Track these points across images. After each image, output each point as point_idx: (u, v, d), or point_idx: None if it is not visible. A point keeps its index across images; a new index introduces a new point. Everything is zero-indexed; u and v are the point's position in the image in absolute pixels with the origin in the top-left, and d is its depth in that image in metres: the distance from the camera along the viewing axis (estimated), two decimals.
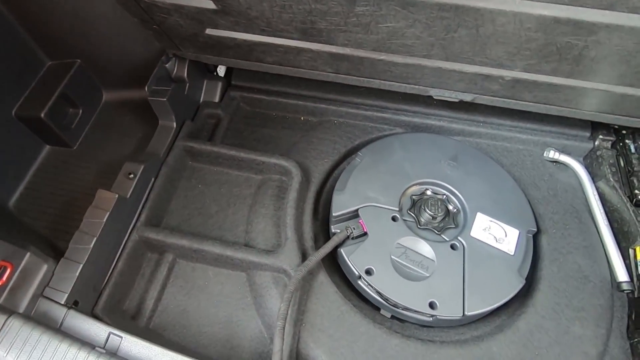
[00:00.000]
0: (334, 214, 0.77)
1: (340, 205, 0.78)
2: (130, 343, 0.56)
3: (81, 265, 0.63)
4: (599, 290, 0.73)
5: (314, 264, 0.70)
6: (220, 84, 1.00)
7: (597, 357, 0.67)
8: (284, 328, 0.62)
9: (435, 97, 0.82)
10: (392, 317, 0.73)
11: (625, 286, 0.74)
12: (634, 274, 0.76)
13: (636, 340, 0.68)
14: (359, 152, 0.87)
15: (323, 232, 0.83)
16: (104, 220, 0.67)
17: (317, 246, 0.77)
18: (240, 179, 0.89)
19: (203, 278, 0.76)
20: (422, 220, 0.77)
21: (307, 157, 0.89)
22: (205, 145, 0.88)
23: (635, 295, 0.74)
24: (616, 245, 0.78)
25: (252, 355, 0.69)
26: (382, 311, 0.74)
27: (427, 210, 0.77)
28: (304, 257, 0.74)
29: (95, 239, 0.65)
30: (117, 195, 0.70)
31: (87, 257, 0.64)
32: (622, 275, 0.75)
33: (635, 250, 0.77)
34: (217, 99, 1.00)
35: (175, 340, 0.70)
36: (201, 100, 0.99)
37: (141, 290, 0.74)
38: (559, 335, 0.67)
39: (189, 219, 0.83)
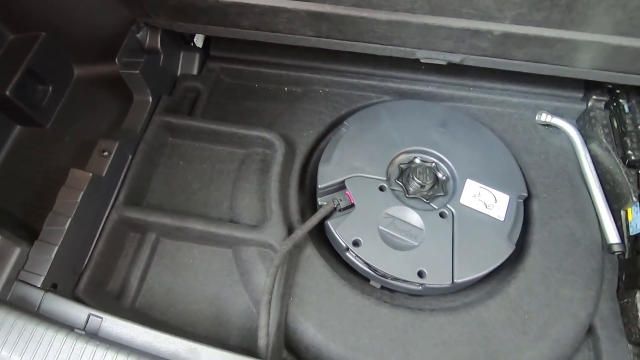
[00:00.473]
0: (319, 186, 0.75)
1: (326, 176, 0.75)
2: (111, 323, 0.55)
3: (57, 247, 0.61)
4: (589, 252, 0.72)
5: (300, 237, 0.68)
6: (197, 55, 0.95)
7: (587, 318, 0.66)
8: (270, 302, 0.60)
9: (422, 61, 0.78)
10: (382, 287, 0.72)
11: (616, 248, 0.73)
12: (625, 235, 0.75)
13: (626, 300, 0.68)
14: (344, 122, 0.83)
15: (310, 205, 0.81)
16: (78, 200, 0.64)
17: (303, 220, 0.75)
18: (222, 153, 0.86)
19: (188, 256, 0.74)
20: (411, 189, 0.75)
21: (292, 129, 0.86)
22: (184, 120, 0.84)
23: (626, 257, 0.73)
24: (608, 208, 0.77)
25: (241, 331, 0.68)
26: (371, 282, 0.73)
27: (415, 178, 0.74)
28: (290, 231, 0.72)
29: (70, 219, 0.62)
30: (90, 174, 0.66)
31: (62, 238, 0.61)
32: (613, 237, 0.74)
33: (627, 211, 0.76)
34: (195, 72, 0.95)
35: (162, 319, 0.69)
36: (178, 73, 0.94)
37: (125, 270, 0.72)
38: (548, 298, 0.67)
39: (172, 197, 0.80)
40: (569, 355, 0.65)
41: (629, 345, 0.66)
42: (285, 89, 0.95)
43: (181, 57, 0.94)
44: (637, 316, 0.65)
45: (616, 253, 0.73)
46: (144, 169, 0.79)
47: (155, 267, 0.73)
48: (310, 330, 0.64)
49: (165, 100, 0.86)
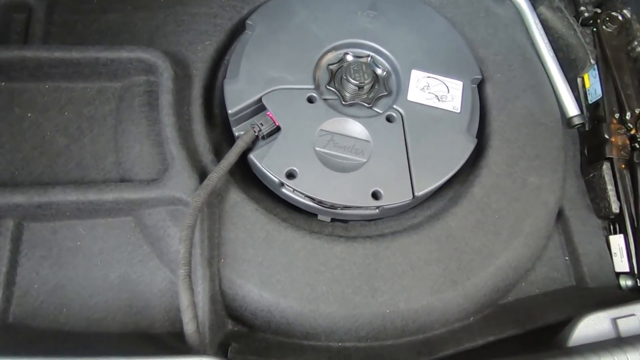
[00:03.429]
0: (230, 112, 0.57)
1: (236, 97, 0.57)
2: None
3: None
4: (551, 131, 0.64)
5: (217, 181, 0.52)
6: None
7: (556, 203, 0.60)
8: (189, 275, 0.45)
9: None
10: (333, 219, 0.60)
11: (576, 120, 0.66)
12: (584, 105, 0.67)
13: (592, 175, 0.62)
14: (247, 21, 0.63)
15: (226, 140, 0.63)
16: None
17: (220, 160, 0.57)
18: (89, 93, 0.62)
19: (72, 238, 0.55)
20: (347, 94, 0.60)
21: (180, 42, 0.64)
22: (14, 51, 0.57)
23: (587, 129, 0.66)
24: (563, 77, 0.68)
25: (167, 313, 0.53)
26: (319, 217, 0.59)
27: (350, 79, 0.58)
28: (202, 177, 0.54)
29: None
30: None
31: None
32: (572, 109, 0.66)
33: (583, 78, 0.68)
34: None
35: (54, 327, 0.51)
36: None
37: None
38: (516, 190, 0.59)
39: (27, 165, 0.57)
40: (542, 246, 0.59)
41: (598, 220, 0.62)
42: None
43: None
44: (606, 188, 0.59)
45: (577, 126, 0.66)
46: None
47: (27, 263, 0.53)
48: (254, 292, 0.51)
49: None
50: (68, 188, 0.51)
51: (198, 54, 0.63)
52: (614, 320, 0.42)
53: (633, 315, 0.42)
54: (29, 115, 0.59)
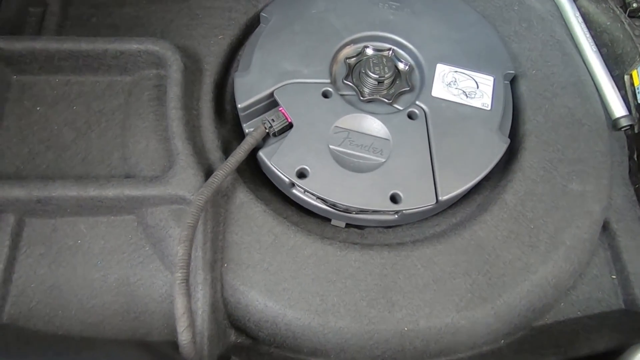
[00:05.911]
0: (240, 106, 0.53)
1: (247, 91, 0.53)
2: None
3: None
4: (595, 133, 0.57)
5: (223, 179, 0.48)
6: None
7: (602, 213, 0.53)
8: (186, 280, 0.41)
9: None
10: (347, 225, 0.55)
11: (624, 122, 0.59)
12: (632, 105, 0.60)
13: None
14: (262, 13, 0.60)
15: (237, 138, 0.59)
16: None
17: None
18: (99, 87, 0.60)
19: (72, 236, 0.52)
20: (366, 89, 0.55)
21: (193, 36, 0.61)
22: (23, 42, 0.56)
23: (636, 131, 0.59)
24: (608, 75, 0.61)
25: (167, 319, 0.49)
26: (333, 222, 0.55)
27: (369, 73, 0.54)
28: (208, 175, 0.51)
29: None
30: None
31: None
32: (618, 110, 0.60)
33: (631, 75, 0.61)
34: None
35: (49, 329, 0.48)
36: None
37: None
38: (555, 198, 0.53)
39: (34, 158, 0.56)
40: (586, 261, 0.52)
41: None
42: None
43: None
44: None
45: (624, 128, 0.59)
46: None
47: (25, 261, 0.51)
48: (258, 300, 0.46)
49: None
50: (68, 182, 0.49)
51: (210, 48, 0.61)
52: None
53: None
54: (38, 108, 0.58)
